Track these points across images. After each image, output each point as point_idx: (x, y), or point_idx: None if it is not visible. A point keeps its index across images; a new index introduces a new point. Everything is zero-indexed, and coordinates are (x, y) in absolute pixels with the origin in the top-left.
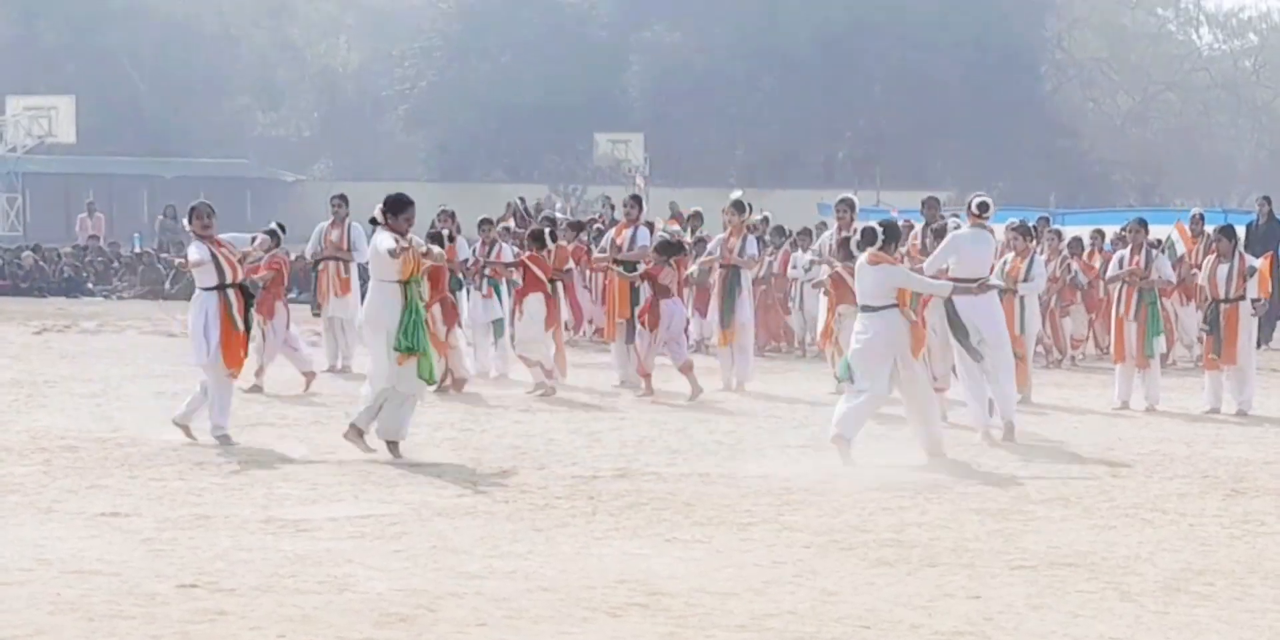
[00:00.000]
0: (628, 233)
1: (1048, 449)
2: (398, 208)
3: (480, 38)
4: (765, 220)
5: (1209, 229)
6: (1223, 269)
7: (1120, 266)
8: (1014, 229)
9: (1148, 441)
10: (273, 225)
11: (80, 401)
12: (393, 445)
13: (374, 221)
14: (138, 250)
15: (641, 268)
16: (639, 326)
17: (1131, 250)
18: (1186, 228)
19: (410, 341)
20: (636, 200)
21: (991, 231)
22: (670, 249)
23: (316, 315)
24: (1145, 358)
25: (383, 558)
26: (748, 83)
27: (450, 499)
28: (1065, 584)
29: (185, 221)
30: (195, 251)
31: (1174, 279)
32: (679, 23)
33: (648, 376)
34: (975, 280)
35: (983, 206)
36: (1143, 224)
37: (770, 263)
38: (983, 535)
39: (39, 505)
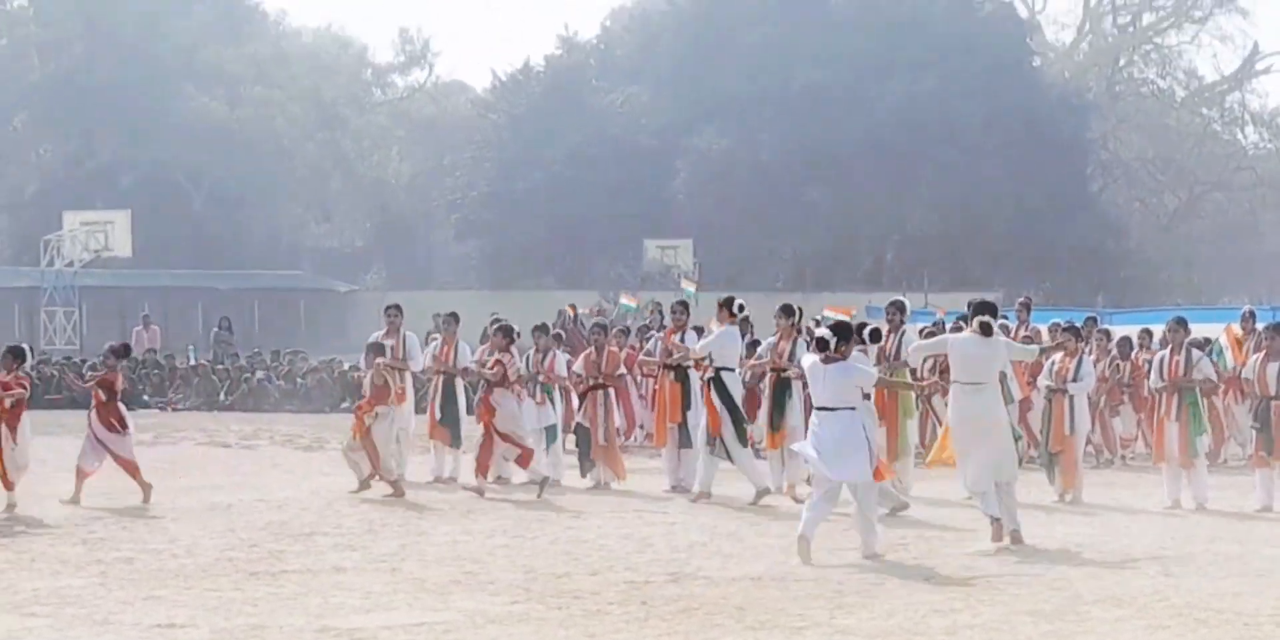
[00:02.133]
0: (676, 338)
1: (1099, 549)
2: None
3: (529, 147)
4: (816, 324)
5: (1259, 326)
6: (1273, 367)
7: (1162, 365)
8: (1064, 329)
9: (1200, 540)
10: (23, 345)
11: (136, 513)
12: None
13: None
14: (193, 362)
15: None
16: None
17: (1171, 350)
18: (1237, 329)
19: None
20: (683, 305)
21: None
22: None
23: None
24: (1189, 458)
25: None
26: (795, 187)
27: (503, 606)
28: None
29: None
30: None
31: (1215, 378)
32: (726, 129)
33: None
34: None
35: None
36: (1181, 323)
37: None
38: (1036, 637)
39: (95, 617)
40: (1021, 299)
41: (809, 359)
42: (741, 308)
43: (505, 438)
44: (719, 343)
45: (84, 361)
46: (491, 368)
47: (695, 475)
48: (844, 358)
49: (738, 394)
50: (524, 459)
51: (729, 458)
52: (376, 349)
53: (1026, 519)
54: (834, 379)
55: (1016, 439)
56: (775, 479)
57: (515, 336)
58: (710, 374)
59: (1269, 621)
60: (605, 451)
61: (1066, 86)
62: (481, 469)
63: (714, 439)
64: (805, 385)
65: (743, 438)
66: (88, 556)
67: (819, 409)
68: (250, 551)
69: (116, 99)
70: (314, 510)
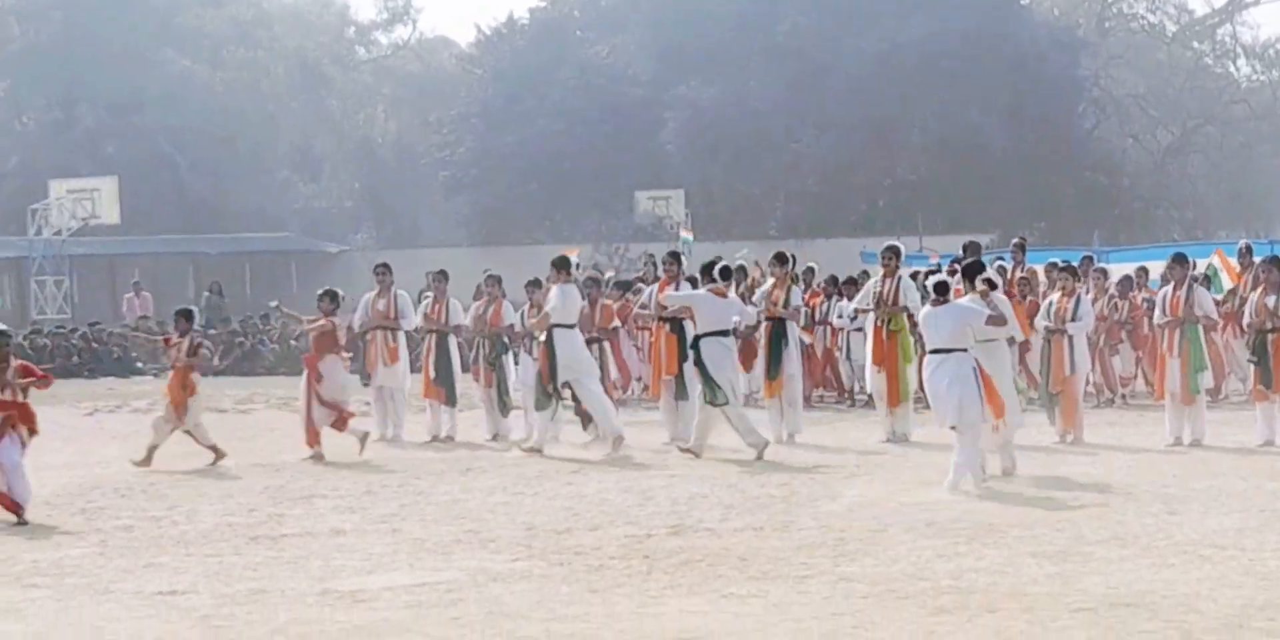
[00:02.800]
0: (670, 289)
1: (1102, 488)
2: None
3: (516, 102)
4: (810, 271)
5: (1256, 260)
6: (1270, 300)
7: (1164, 303)
8: (1060, 269)
9: (1202, 477)
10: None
11: (133, 481)
12: None
13: None
14: None
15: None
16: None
17: (1174, 286)
18: (1229, 257)
19: None
20: (675, 256)
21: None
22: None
23: (366, 385)
24: (1189, 394)
25: (440, 626)
26: (784, 134)
27: (505, 564)
28: (1126, 625)
29: None
30: None
31: (1215, 315)
32: (713, 78)
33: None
34: None
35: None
36: (1180, 259)
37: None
38: (1041, 578)
39: (96, 586)
40: (1016, 239)
41: (926, 307)
42: (578, 266)
43: (326, 404)
44: (555, 302)
45: (74, 330)
46: (319, 328)
47: (692, 428)
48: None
49: (565, 352)
50: (341, 422)
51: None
52: (185, 315)
53: (1028, 460)
54: (946, 321)
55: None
56: (774, 428)
57: (340, 300)
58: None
59: (1273, 556)
60: None
61: (1056, 24)
62: (312, 439)
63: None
64: (801, 330)
65: (547, 396)
66: (86, 526)
67: (932, 352)
68: (249, 516)
69: (97, 66)
70: (312, 473)
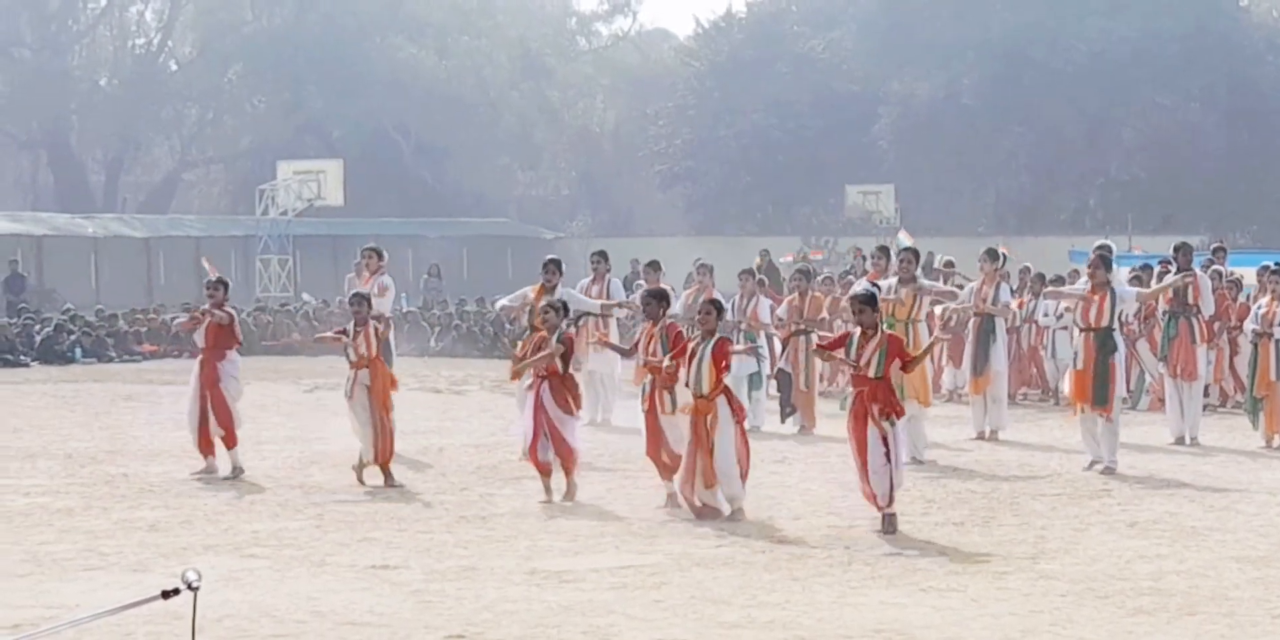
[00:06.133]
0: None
1: None
2: None
3: (732, 95)
4: (1025, 270)
5: None
6: None
7: None
8: (1272, 272)
9: None
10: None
11: (351, 457)
12: None
13: None
14: (404, 309)
15: None
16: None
17: None
18: None
19: None
20: (884, 251)
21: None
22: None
23: (577, 370)
24: None
25: (644, 608)
26: (996, 131)
27: (709, 549)
28: None
29: None
30: None
31: None
32: (927, 74)
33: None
34: None
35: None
36: None
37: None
38: (1243, 583)
39: (313, 558)
40: (1215, 244)
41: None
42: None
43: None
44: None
45: (297, 309)
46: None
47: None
48: None
49: None
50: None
51: None
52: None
53: (1232, 465)
54: None
55: None
56: (978, 423)
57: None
58: None
59: None
60: (805, 397)
61: (1275, 26)
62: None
63: None
64: (1009, 329)
65: None
66: (304, 500)
67: None
68: (461, 495)
69: (327, 51)
70: (523, 454)
